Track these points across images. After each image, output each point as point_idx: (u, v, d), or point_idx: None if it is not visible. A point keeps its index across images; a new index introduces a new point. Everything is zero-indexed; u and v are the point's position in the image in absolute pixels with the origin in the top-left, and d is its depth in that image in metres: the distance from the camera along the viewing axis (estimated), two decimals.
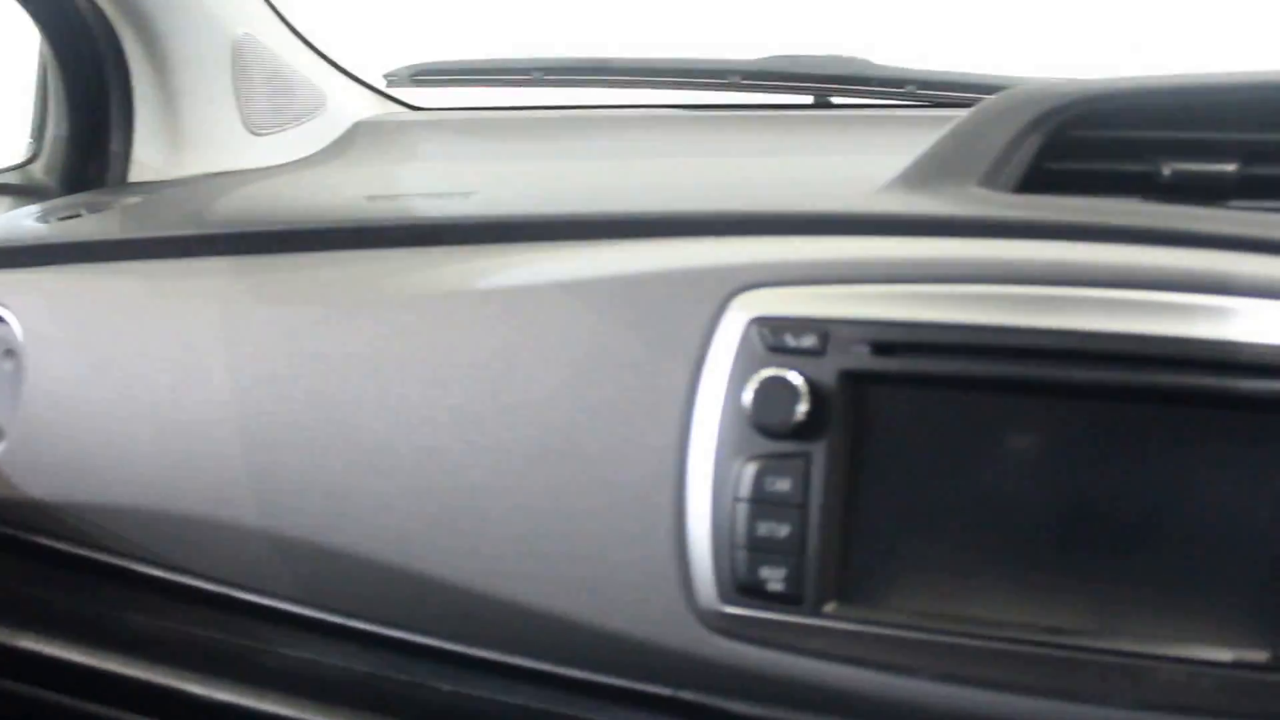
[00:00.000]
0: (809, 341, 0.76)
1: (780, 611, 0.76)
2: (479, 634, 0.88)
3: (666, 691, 0.82)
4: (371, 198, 1.05)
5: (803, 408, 0.75)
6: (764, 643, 0.77)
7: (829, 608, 0.76)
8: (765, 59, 1.36)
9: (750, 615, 0.77)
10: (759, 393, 0.76)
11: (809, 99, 1.39)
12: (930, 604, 0.75)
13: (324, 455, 0.88)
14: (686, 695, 0.81)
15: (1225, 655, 0.71)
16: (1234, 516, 0.71)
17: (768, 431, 0.76)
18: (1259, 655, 0.71)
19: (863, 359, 0.76)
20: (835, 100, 1.38)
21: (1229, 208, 0.84)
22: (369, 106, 1.37)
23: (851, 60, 1.35)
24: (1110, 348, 0.73)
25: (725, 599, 0.78)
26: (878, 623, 0.75)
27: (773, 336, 0.77)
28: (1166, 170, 0.86)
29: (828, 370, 0.76)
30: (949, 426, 0.75)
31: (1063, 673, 0.73)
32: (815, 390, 0.75)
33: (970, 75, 1.31)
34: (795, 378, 0.75)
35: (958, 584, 0.75)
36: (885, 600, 0.76)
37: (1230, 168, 0.85)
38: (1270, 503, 0.71)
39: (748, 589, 0.77)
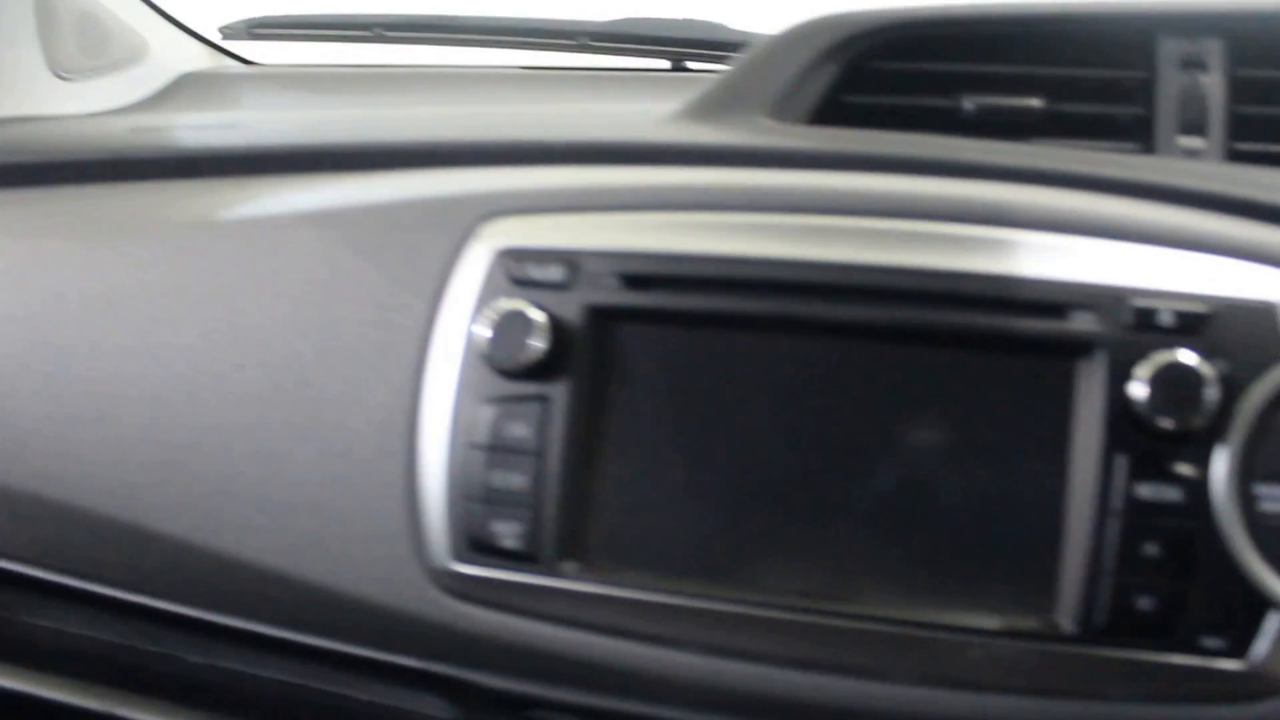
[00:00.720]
0: (554, 273, 0.70)
1: (514, 571, 0.69)
2: (220, 599, 0.81)
3: (406, 662, 0.74)
4: (134, 130, 0.98)
5: (540, 345, 0.68)
6: (497, 605, 0.70)
7: (567, 567, 0.69)
8: (615, 21, 1.29)
9: (483, 575, 0.70)
10: (496, 328, 0.69)
11: (666, 63, 1.33)
12: (677, 565, 0.68)
13: (53, 402, 0.81)
14: (433, 667, 0.74)
15: (993, 623, 0.65)
16: (1007, 472, 0.65)
17: (505, 371, 0.69)
18: (1029, 623, 0.64)
19: (611, 293, 0.69)
20: (691, 65, 1.32)
21: (1034, 144, 0.79)
22: (201, 59, 1.29)
23: (705, 24, 1.29)
24: (877, 282, 0.66)
25: (457, 556, 0.71)
26: (620, 584, 0.68)
27: (517, 268, 0.71)
28: (969, 105, 0.80)
29: (572, 305, 0.69)
30: (705, 370, 0.69)
31: (819, 643, 0.66)
32: (556, 326, 0.69)
33: None
34: (534, 312, 0.68)
35: (708, 544, 0.68)
36: (629, 560, 0.69)
37: (1036, 103, 0.79)
38: (1044, 457, 0.65)
39: (480, 546, 0.70)
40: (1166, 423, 0.62)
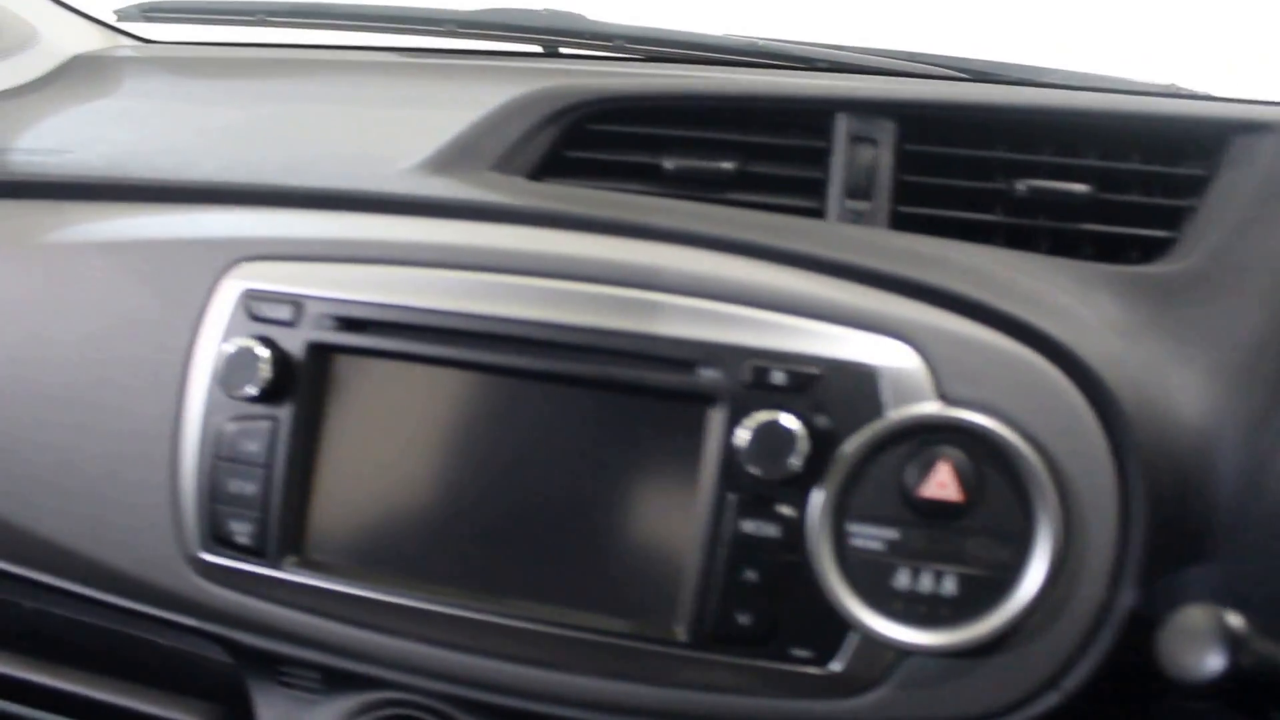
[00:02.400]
0: (283, 313, 0.81)
1: (248, 562, 0.82)
2: (38, 562, 0.94)
3: (174, 617, 0.88)
4: None
5: (269, 374, 0.80)
6: (238, 588, 0.83)
7: (289, 561, 0.82)
8: (481, 10, 1.38)
9: (224, 564, 0.83)
10: (233, 360, 0.81)
11: (540, 49, 1.41)
12: (377, 563, 0.81)
13: None
14: (185, 620, 0.88)
15: (625, 627, 0.77)
16: (643, 501, 0.77)
17: (243, 396, 0.81)
18: (653, 630, 0.77)
19: (329, 332, 0.81)
20: (564, 50, 1.41)
21: (727, 200, 0.89)
22: (94, 40, 1.39)
23: (567, 14, 1.37)
24: (541, 335, 0.78)
25: (205, 547, 0.84)
26: (330, 577, 0.81)
27: (256, 306, 0.82)
28: (669, 164, 0.90)
29: (297, 341, 0.81)
30: (404, 400, 0.81)
31: (482, 634, 0.79)
32: (283, 359, 0.81)
33: (676, 32, 1.34)
34: (261, 348, 0.80)
35: (402, 546, 0.81)
36: (338, 557, 0.82)
37: (728, 165, 0.89)
38: (674, 491, 0.76)
39: (222, 540, 0.83)
40: (758, 470, 0.73)
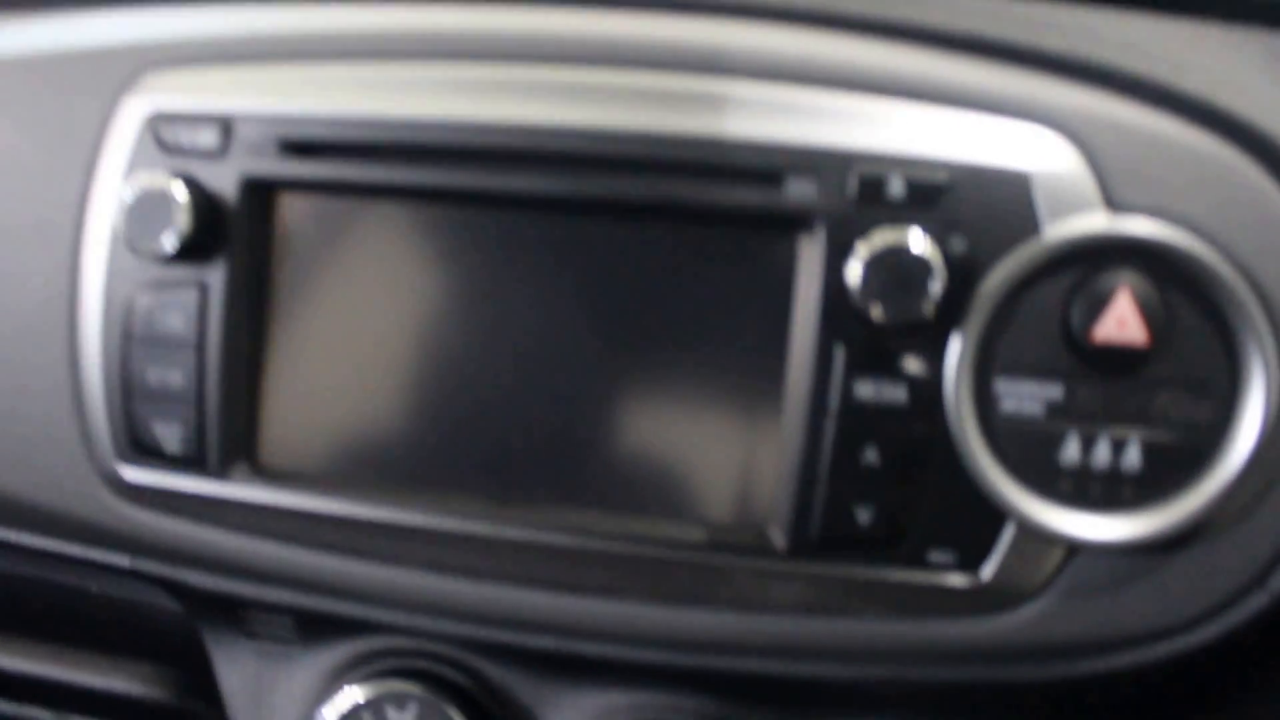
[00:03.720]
0: (206, 139, 0.60)
1: (182, 475, 0.62)
2: None
3: (91, 555, 0.67)
4: None
5: (189, 224, 0.59)
6: (171, 511, 0.63)
7: (236, 472, 0.61)
8: None
9: (151, 481, 0.62)
10: (139, 206, 0.59)
11: None
12: (357, 468, 0.61)
13: None
14: (106, 559, 0.67)
15: (699, 536, 0.58)
16: (722, 365, 0.57)
17: (157, 254, 0.60)
18: (738, 537, 0.57)
19: (269, 160, 0.59)
20: None
21: None
22: None
23: None
24: (571, 147, 0.57)
25: (124, 459, 0.63)
26: (293, 490, 0.61)
27: (168, 132, 0.61)
28: None
29: (227, 176, 0.59)
30: (376, 248, 0.59)
31: (509, 557, 0.59)
32: (208, 203, 0.59)
33: None
34: (177, 188, 0.59)
35: (390, 446, 0.60)
36: (303, 462, 0.61)
37: None
38: (762, 350, 0.56)
39: (145, 449, 0.62)
40: (876, 313, 0.53)
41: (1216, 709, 0.65)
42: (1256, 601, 0.56)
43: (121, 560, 0.66)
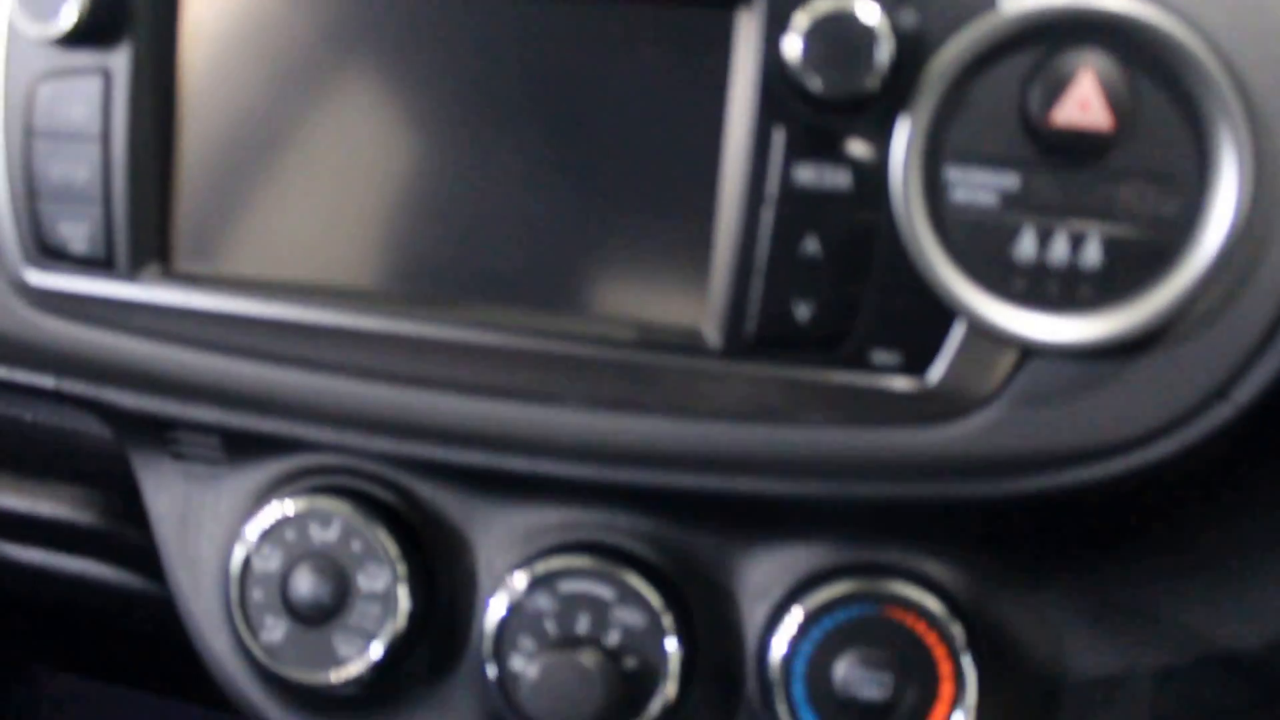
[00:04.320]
0: None
1: (90, 277, 0.59)
2: None
3: (13, 377, 0.64)
4: None
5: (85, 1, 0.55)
6: (82, 318, 0.60)
7: (147, 273, 0.58)
8: None
9: (60, 286, 0.59)
10: None
11: None
12: (273, 269, 0.58)
13: None
14: (20, 377, 0.64)
15: (628, 333, 0.54)
16: (656, 150, 0.54)
17: (52, 37, 0.56)
18: (669, 334, 0.54)
19: None
20: None
21: None
22: None
23: None
24: None
25: (31, 262, 0.59)
26: (206, 290, 0.58)
27: None
28: None
29: None
30: (300, 20, 0.55)
31: (429, 356, 0.56)
32: None
33: None
34: None
35: (311, 239, 0.57)
36: (217, 263, 0.58)
37: None
38: (698, 133, 0.53)
39: (52, 251, 0.59)
40: (818, 83, 0.49)
41: (1166, 545, 0.62)
42: (1219, 414, 0.53)
43: (46, 381, 0.64)
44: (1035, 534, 0.60)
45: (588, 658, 0.56)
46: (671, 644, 0.58)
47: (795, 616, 0.57)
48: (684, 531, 0.59)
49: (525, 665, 0.57)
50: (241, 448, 0.64)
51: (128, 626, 0.95)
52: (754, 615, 0.59)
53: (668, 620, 0.58)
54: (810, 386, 0.53)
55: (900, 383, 0.53)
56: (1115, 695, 0.60)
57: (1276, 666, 0.61)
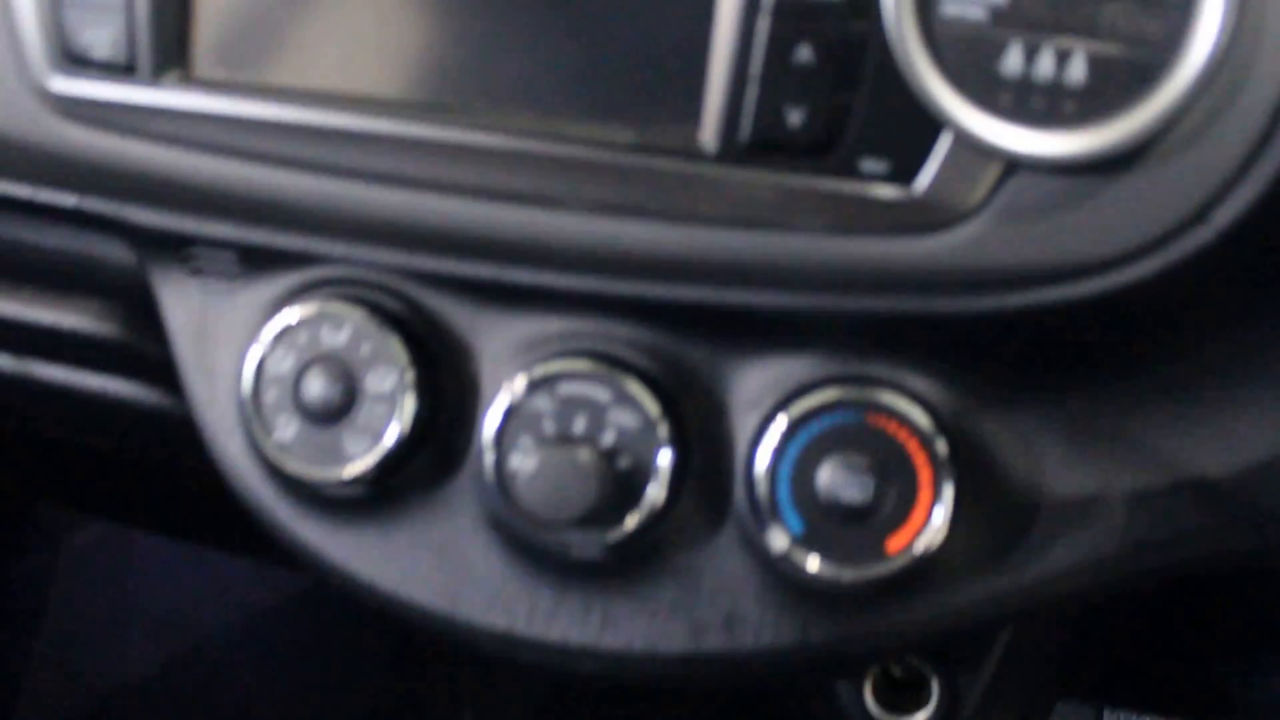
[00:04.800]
0: None
1: (113, 83, 0.61)
2: None
3: (27, 192, 0.67)
4: None
5: None
6: (104, 125, 0.62)
7: (169, 78, 0.60)
8: None
9: (83, 90, 0.62)
10: None
11: None
12: (292, 74, 0.60)
13: None
14: (44, 197, 0.66)
15: (627, 137, 0.57)
16: None
17: None
18: (668, 139, 0.56)
19: None
20: None
21: None
22: None
23: None
24: None
25: (55, 69, 0.62)
26: (227, 94, 0.60)
27: None
28: None
29: None
30: None
31: (440, 159, 0.59)
32: None
33: None
34: None
35: (325, 47, 0.59)
36: (239, 67, 0.60)
37: None
38: None
39: (75, 57, 0.61)
40: None
41: (1144, 371, 0.64)
42: (1197, 237, 0.55)
43: (67, 199, 0.66)
44: (1017, 355, 0.62)
45: (584, 455, 0.59)
46: (664, 448, 0.61)
47: (780, 424, 0.60)
48: (679, 343, 0.62)
49: (523, 461, 0.60)
50: (256, 263, 0.66)
51: (144, 456, 0.98)
52: (744, 425, 0.62)
53: (662, 427, 0.61)
54: (801, 192, 0.55)
55: (887, 191, 0.55)
56: (1090, 516, 0.63)
57: (1248, 492, 0.63)
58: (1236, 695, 1.20)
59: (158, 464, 1.02)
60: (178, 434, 0.72)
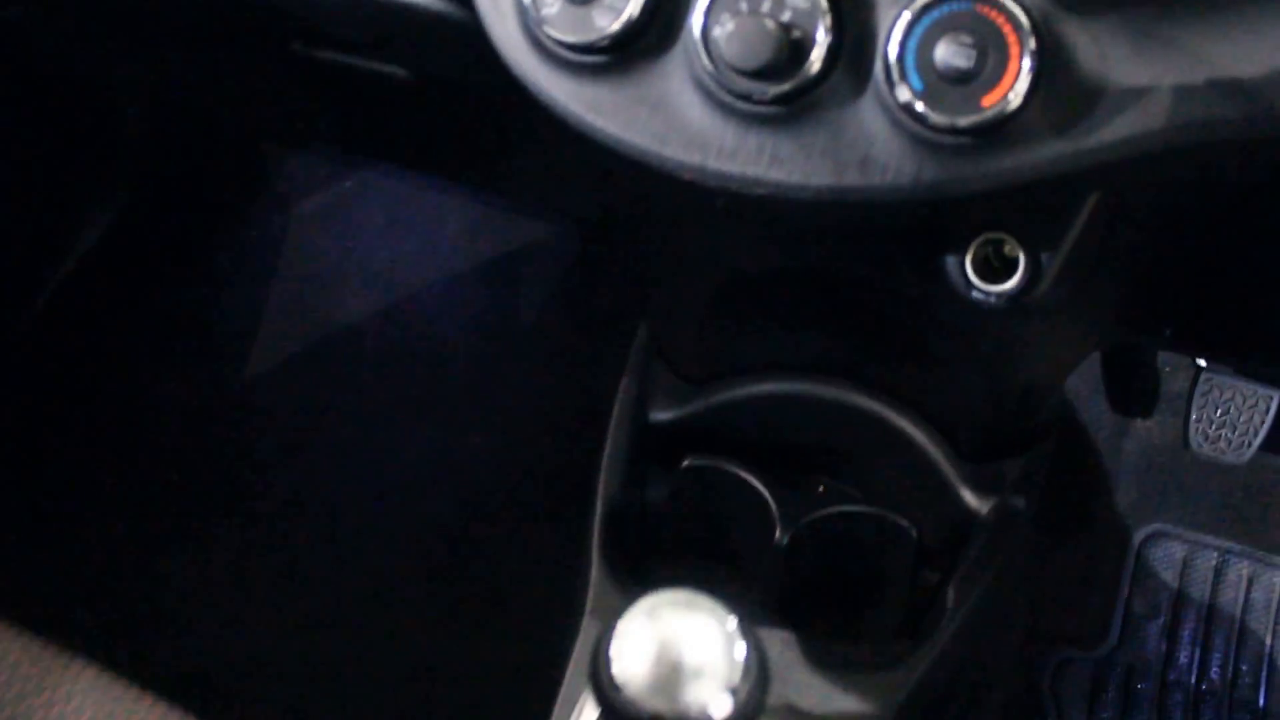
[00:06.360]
0: None
1: None
2: None
3: None
4: None
5: None
6: None
7: None
8: None
9: None
10: None
11: None
12: None
13: None
14: None
15: None
16: None
17: None
18: None
19: None
20: None
21: None
22: None
23: None
24: None
25: None
26: None
27: None
28: None
29: None
30: None
31: None
32: None
33: None
34: None
35: None
36: None
37: None
38: None
39: None
40: None
41: None
42: None
43: None
44: None
45: (767, 23, 0.82)
46: (823, 28, 0.83)
47: (905, 18, 0.82)
48: None
49: (722, 28, 0.83)
50: None
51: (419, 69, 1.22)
52: (886, 17, 0.84)
53: (825, 14, 0.83)
54: None
55: None
56: (1143, 100, 0.83)
57: (1266, 90, 0.83)
58: None
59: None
60: (458, 34, 0.96)
